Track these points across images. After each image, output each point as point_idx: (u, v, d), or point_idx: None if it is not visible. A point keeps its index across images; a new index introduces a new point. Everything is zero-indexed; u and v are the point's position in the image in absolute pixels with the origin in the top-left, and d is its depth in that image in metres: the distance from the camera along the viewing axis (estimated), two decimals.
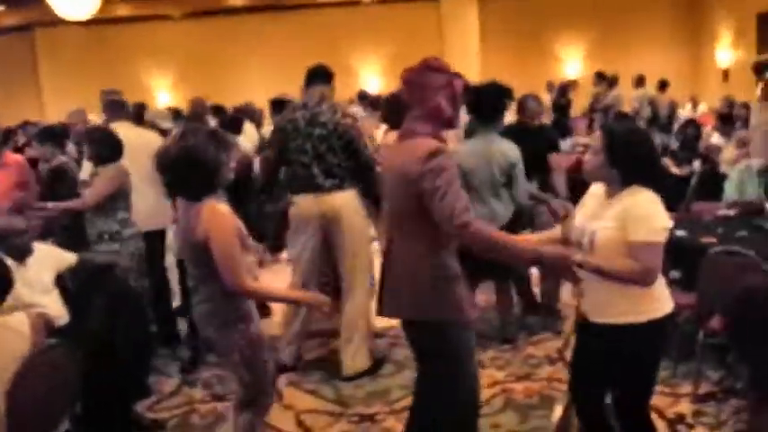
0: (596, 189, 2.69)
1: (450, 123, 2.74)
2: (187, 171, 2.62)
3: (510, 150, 4.34)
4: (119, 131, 4.57)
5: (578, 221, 2.66)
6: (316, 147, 4.15)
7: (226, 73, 14.54)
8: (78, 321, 3.63)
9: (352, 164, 4.21)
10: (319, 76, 4.34)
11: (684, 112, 10.84)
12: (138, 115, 6.31)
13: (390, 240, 2.82)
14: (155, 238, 4.86)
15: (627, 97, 11.07)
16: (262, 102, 8.91)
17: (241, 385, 2.88)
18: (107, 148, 4.40)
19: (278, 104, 6.77)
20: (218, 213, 2.65)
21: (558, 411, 3.44)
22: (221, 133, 2.83)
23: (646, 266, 2.42)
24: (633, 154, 2.51)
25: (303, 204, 4.25)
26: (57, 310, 3.60)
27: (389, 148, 2.80)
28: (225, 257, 2.60)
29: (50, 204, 4.44)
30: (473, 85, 4.23)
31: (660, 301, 2.56)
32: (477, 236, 2.52)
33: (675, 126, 9.43)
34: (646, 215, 2.45)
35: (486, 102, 4.36)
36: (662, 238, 2.46)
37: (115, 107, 5.20)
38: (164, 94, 15.01)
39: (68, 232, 4.74)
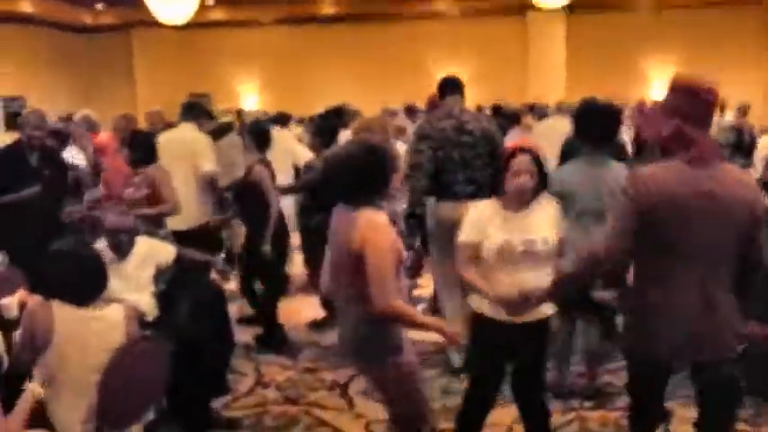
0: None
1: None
2: (364, 175, 2.53)
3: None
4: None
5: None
6: (464, 155, 4.30)
7: (309, 79, 14.81)
8: (166, 317, 3.74)
9: (491, 170, 4.27)
10: (455, 86, 4.55)
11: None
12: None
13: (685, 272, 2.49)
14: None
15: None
16: None
17: (397, 420, 2.74)
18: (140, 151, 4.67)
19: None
20: (376, 226, 2.48)
21: None
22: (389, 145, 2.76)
23: None
24: None
25: (443, 211, 4.35)
26: (147, 306, 3.72)
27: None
28: (379, 275, 2.41)
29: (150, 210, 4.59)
30: (585, 101, 4.06)
31: None
32: None
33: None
34: None
35: (603, 122, 3.87)
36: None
37: (187, 109, 5.51)
38: (251, 97, 15.40)
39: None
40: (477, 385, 3.18)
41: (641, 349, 2.62)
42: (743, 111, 10.76)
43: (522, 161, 2.88)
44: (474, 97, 13.05)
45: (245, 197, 5.06)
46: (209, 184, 5.27)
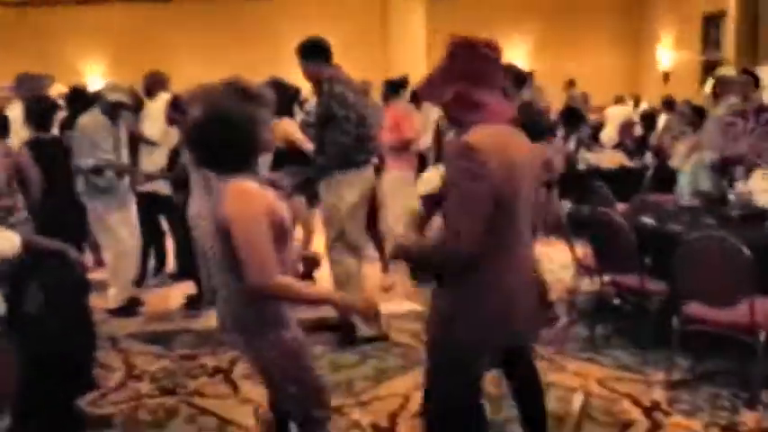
0: None
1: None
2: (216, 139, 2.19)
3: None
4: None
5: None
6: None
7: (160, 59, 14.01)
8: (17, 311, 3.27)
9: None
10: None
11: (627, 110, 11.02)
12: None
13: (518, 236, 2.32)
14: None
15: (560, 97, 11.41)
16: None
17: (289, 403, 2.44)
18: None
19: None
20: (244, 194, 2.17)
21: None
22: (255, 89, 2.28)
23: None
24: None
25: None
26: None
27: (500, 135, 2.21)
28: (248, 248, 2.13)
29: None
30: None
31: None
32: None
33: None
34: None
35: None
36: None
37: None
38: (96, 78, 14.36)
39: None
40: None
41: (472, 339, 2.32)
42: (570, 83, 11.67)
43: None
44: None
45: None
46: None
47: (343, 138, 4.15)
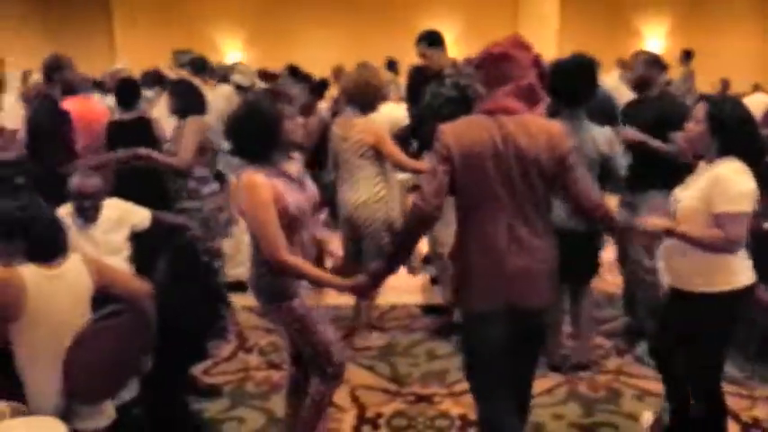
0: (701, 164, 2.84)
1: (539, 102, 2.55)
2: (248, 133, 2.68)
3: (602, 137, 3.68)
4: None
5: (676, 191, 2.86)
6: None
7: (295, 34, 14.48)
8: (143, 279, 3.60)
9: None
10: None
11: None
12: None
13: (511, 225, 2.50)
14: None
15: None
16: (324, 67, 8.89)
17: (306, 360, 2.89)
18: (192, 101, 4.43)
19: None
20: (251, 185, 2.61)
21: (646, 417, 3.32)
22: (279, 88, 2.82)
23: (727, 237, 2.59)
24: (733, 124, 2.67)
25: None
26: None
27: (464, 127, 2.49)
28: (258, 230, 2.61)
29: (154, 154, 4.37)
30: (557, 59, 3.94)
31: (735, 274, 2.73)
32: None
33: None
34: (727, 184, 2.61)
35: (567, 79, 3.63)
36: (742, 206, 2.61)
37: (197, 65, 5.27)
38: (235, 54, 15.06)
39: (149, 188, 4.49)
40: None
41: (469, 306, 2.60)
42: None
43: None
44: (464, 52, 12.85)
45: None
46: None
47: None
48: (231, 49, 15.21)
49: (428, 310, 4.92)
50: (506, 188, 2.44)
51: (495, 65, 2.51)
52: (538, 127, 2.47)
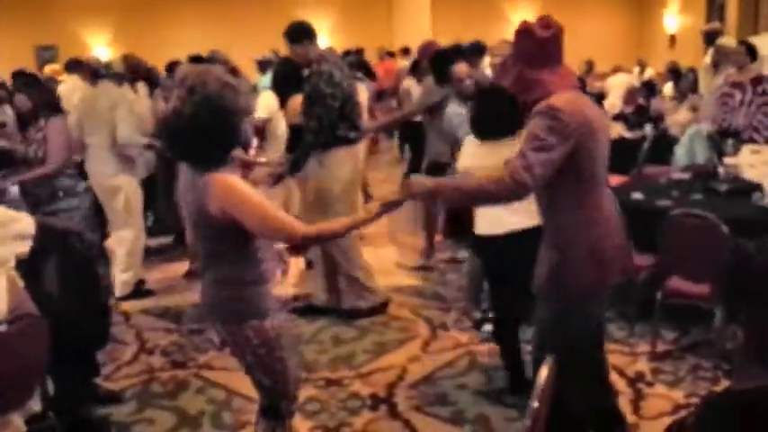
0: None
1: None
2: (199, 132, 2.20)
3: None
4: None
5: None
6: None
7: (165, 27, 14.03)
8: (32, 290, 3.44)
9: None
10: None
11: (633, 77, 11.00)
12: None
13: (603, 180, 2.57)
14: None
15: None
16: None
17: (259, 389, 2.54)
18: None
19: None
20: (230, 183, 2.24)
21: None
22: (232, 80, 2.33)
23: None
24: None
25: None
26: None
27: (573, 103, 2.37)
28: (258, 224, 2.23)
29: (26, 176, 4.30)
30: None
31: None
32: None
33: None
34: None
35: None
36: None
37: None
38: (101, 49, 14.39)
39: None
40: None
41: (591, 280, 2.48)
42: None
43: None
44: (339, 41, 12.92)
45: None
46: None
47: (327, 114, 4.24)
48: (98, 44, 14.54)
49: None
50: (604, 164, 2.51)
51: (554, 42, 2.44)
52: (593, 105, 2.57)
